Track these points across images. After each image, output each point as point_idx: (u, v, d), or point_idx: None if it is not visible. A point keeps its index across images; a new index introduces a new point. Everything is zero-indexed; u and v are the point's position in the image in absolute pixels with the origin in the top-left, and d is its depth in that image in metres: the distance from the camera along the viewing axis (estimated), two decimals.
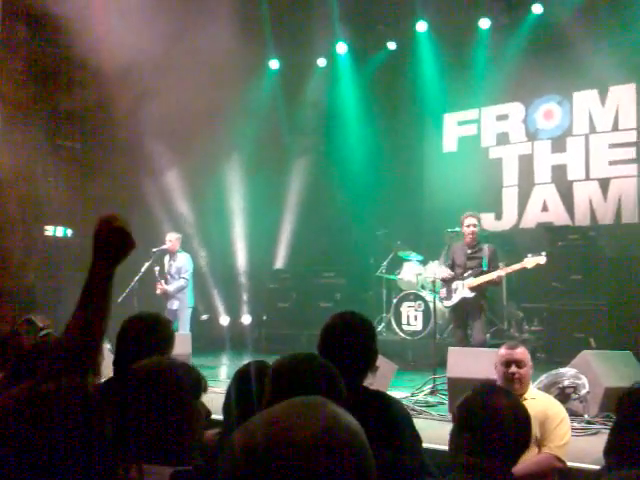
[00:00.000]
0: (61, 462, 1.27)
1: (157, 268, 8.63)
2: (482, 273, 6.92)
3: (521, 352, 3.72)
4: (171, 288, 8.57)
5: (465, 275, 7.06)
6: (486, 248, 7.06)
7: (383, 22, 10.74)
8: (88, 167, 10.49)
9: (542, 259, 6.76)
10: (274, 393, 1.76)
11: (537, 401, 3.61)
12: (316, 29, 10.30)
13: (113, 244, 1.71)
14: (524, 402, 3.49)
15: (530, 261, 6.79)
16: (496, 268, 6.94)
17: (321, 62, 11.56)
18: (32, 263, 9.78)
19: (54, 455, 1.27)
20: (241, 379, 2.29)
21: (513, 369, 3.64)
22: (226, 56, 8.75)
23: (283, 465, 0.84)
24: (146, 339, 2.52)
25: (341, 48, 11.14)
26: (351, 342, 2.40)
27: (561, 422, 3.51)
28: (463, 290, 7.02)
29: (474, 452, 2.16)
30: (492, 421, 2.20)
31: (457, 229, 7.26)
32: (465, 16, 10.06)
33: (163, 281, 8.63)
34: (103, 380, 2.49)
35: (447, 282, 7.24)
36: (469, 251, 7.13)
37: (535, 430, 3.44)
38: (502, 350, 3.78)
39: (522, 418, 2.23)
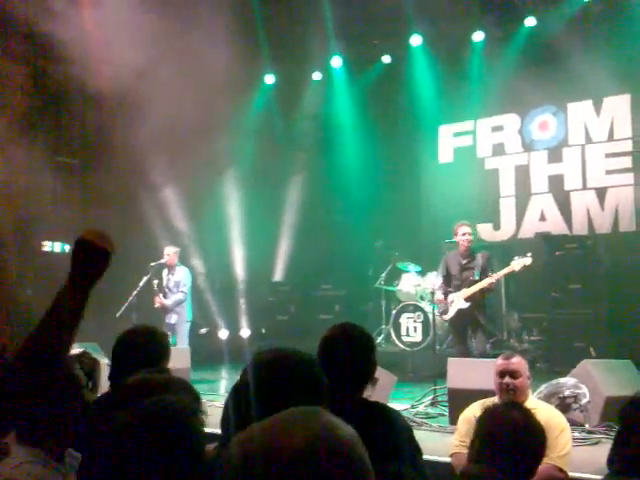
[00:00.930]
0: None
1: (156, 281, 8.63)
2: (475, 283, 6.96)
3: (516, 362, 3.70)
4: (169, 302, 8.57)
5: (461, 286, 7.11)
6: (479, 257, 7.09)
7: (378, 36, 10.80)
8: (87, 183, 10.51)
9: (528, 260, 6.83)
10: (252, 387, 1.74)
11: (537, 411, 3.54)
12: (311, 43, 10.36)
13: (89, 263, 1.64)
14: None
15: (517, 264, 6.88)
16: (492, 275, 6.98)
17: (316, 76, 11.62)
18: (30, 278, 9.76)
19: None
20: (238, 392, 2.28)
21: (507, 380, 3.63)
22: (222, 71, 8.79)
23: (275, 474, 0.84)
24: (142, 352, 2.51)
25: (336, 62, 11.20)
26: (350, 354, 2.39)
27: (562, 432, 3.47)
28: (459, 302, 7.05)
29: (477, 460, 2.20)
30: (496, 432, 2.23)
31: (458, 240, 7.27)
32: (459, 29, 10.13)
33: (162, 295, 8.62)
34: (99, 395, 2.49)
35: (444, 293, 7.28)
36: (463, 262, 7.17)
37: None
38: (498, 360, 3.78)
39: (535, 435, 2.24)
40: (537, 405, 3.70)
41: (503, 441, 2.21)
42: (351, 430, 0.92)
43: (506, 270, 6.96)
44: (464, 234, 7.08)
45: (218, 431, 1.83)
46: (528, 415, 2.35)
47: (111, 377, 2.55)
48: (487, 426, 2.30)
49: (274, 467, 0.85)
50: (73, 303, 1.61)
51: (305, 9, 9.94)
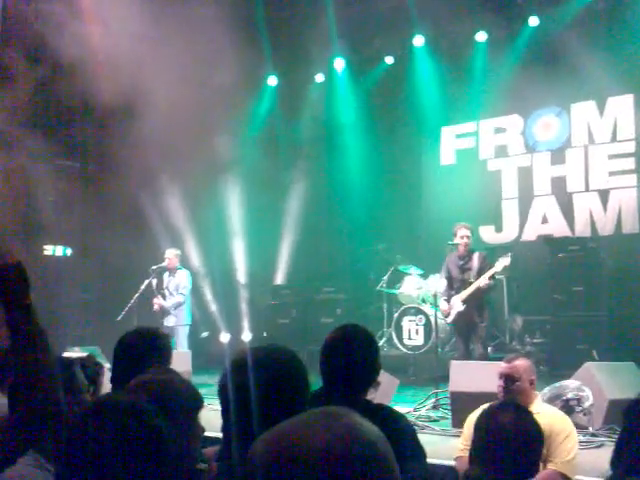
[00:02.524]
0: None
1: (155, 282, 8.63)
2: (471, 285, 7.03)
3: (517, 365, 3.66)
4: (168, 303, 8.56)
5: (460, 288, 7.21)
6: (476, 258, 7.16)
7: (380, 37, 10.80)
8: (87, 187, 10.51)
9: (507, 260, 7.08)
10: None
11: (542, 415, 3.50)
12: (314, 45, 10.35)
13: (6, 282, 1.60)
14: None
15: (499, 264, 7.08)
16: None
17: (319, 78, 11.62)
18: (31, 282, 9.73)
19: None
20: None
21: (508, 383, 3.60)
22: (225, 73, 8.79)
23: (298, 475, 0.84)
24: (143, 354, 2.49)
25: (339, 63, 11.20)
26: (353, 355, 2.37)
27: (567, 437, 3.42)
28: (457, 304, 7.12)
29: (476, 462, 2.20)
30: (491, 433, 2.23)
31: (457, 242, 7.30)
32: (462, 29, 10.11)
33: (160, 296, 8.61)
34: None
35: (447, 298, 7.35)
36: (461, 262, 7.27)
37: None
38: (501, 363, 3.76)
39: (529, 437, 2.23)
40: (542, 409, 3.65)
41: (497, 442, 2.21)
42: (375, 430, 0.91)
43: (491, 271, 7.08)
44: (462, 237, 7.16)
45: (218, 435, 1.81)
46: (522, 415, 2.33)
47: (113, 379, 2.52)
48: (482, 428, 2.31)
49: (295, 468, 0.84)
50: (21, 323, 1.56)
51: (307, 10, 9.93)
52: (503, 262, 7.01)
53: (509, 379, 3.61)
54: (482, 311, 7.12)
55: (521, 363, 3.71)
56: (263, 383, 1.66)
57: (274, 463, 0.85)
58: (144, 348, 2.53)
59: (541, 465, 3.34)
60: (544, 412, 3.60)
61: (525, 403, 3.56)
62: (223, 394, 1.74)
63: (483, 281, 6.97)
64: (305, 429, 0.88)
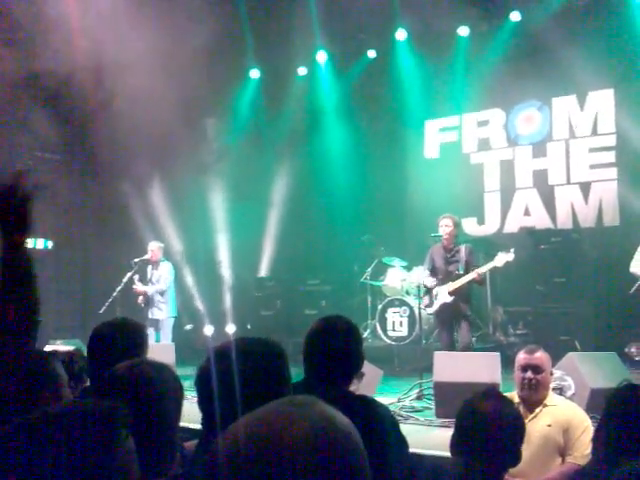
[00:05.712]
0: None
1: (137, 276, 8.57)
2: (459, 277, 6.99)
3: (539, 357, 3.57)
4: (150, 290, 8.51)
5: (445, 280, 7.14)
6: (462, 250, 7.13)
7: (363, 30, 10.76)
8: (69, 179, 10.41)
9: (510, 256, 6.83)
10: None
11: (559, 408, 3.50)
12: (296, 38, 10.30)
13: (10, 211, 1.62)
14: (544, 409, 3.46)
15: (499, 259, 6.88)
16: (476, 266, 7.01)
17: (302, 71, 11.57)
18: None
19: None
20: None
21: (530, 374, 3.50)
22: (207, 66, 8.73)
23: (272, 466, 0.82)
24: (117, 344, 2.47)
25: (321, 56, 11.15)
26: (336, 346, 2.37)
27: (585, 430, 3.36)
28: (443, 296, 7.08)
29: (458, 451, 2.22)
30: (474, 423, 2.25)
31: (440, 234, 7.30)
32: (444, 24, 10.09)
33: (140, 283, 8.54)
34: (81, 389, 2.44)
35: (429, 289, 7.31)
36: (447, 255, 7.21)
37: (558, 438, 3.37)
38: (520, 354, 3.65)
39: (507, 425, 2.25)
40: (558, 402, 3.62)
41: (480, 431, 2.22)
42: (347, 420, 0.91)
43: (489, 265, 6.99)
44: (442, 226, 7.14)
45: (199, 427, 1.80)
46: (501, 404, 2.34)
47: (89, 372, 2.50)
48: (462, 418, 2.31)
49: (270, 458, 0.82)
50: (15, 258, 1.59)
51: (290, 3, 9.88)
52: (505, 257, 6.80)
53: (536, 370, 3.51)
54: (468, 303, 7.13)
55: (544, 354, 3.62)
56: (245, 372, 1.66)
57: (249, 454, 0.83)
58: (116, 338, 2.50)
59: (559, 459, 3.36)
60: (560, 405, 3.57)
61: (544, 395, 3.53)
62: (202, 383, 1.73)
63: (478, 274, 6.90)
64: (281, 418, 0.86)
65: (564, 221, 9.75)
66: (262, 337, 1.87)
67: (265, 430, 0.85)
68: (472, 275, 6.91)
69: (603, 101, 9.60)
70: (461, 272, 7.02)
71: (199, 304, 10.73)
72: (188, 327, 10.46)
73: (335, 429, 0.87)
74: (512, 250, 6.91)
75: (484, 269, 7.00)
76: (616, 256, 8.63)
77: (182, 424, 1.82)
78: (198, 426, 1.80)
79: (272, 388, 1.68)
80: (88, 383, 2.74)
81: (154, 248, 8.64)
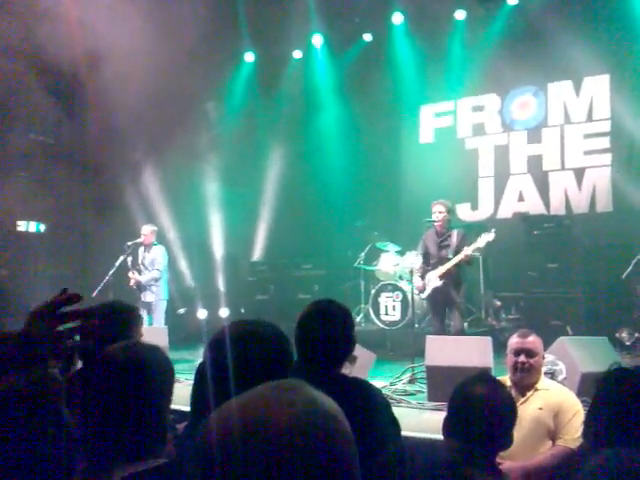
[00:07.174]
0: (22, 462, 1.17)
1: (130, 259, 8.57)
2: (449, 261, 7.06)
3: (532, 341, 3.58)
4: (144, 279, 8.51)
5: (437, 265, 7.23)
6: (454, 235, 7.20)
7: (359, 14, 10.69)
8: (61, 162, 10.34)
9: (491, 236, 7.04)
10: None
11: (550, 392, 3.53)
12: (292, 21, 10.23)
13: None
14: (536, 392, 3.48)
15: (482, 239, 7.06)
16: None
17: (297, 54, 11.50)
18: (5, 258, 9.62)
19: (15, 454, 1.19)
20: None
21: (522, 358, 3.51)
22: (202, 49, 8.67)
23: (259, 450, 0.82)
24: (108, 327, 2.46)
25: (317, 40, 11.09)
26: (328, 330, 2.38)
27: (576, 414, 3.39)
28: (434, 280, 7.15)
29: (450, 434, 2.23)
30: (467, 406, 2.26)
31: (433, 219, 7.33)
32: (441, 8, 10.04)
33: (136, 272, 8.56)
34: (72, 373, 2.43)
35: (421, 275, 7.37)
36: (439, 239, 7.28)
37: (549, 422, 3.39)
38: (513, 338, 3.66)
39: (499, 409, 2.27)
40: (550, 386, 3.64)
41: (469, 415, 2.24)
42: (333, 403, 0.91)
43: (472, 247, 7.08)
44: (435, 212, 7.20)
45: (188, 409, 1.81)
46: (494, 387, 2.36)
47: (80, 354, 2.50)
48: (455, 401, 2.32)
49: (257, 442, 0.82)
50: None
51: None
52: (486, 237, 7.01)
53: (528, 354, 3.52)
54: (459, 287, 7.19)
55: (537, 338, 3.64)
56: (245, 355, 1.67)
57: (236, 439, 0.83)
58: (106, 321, 2.50)
59: (550, 442, 3.38)
60: (552, 389, 3.60)
61: (536, 379, 3.55)
62: (204, 367, 1.74)
63: (462, 256, 6.99)
64: (268, 403, 0.86)
65: (557, 207, 9.78)
66: (260, 319, 1.89)
67: (250, 415, 0.85)
68: (459, 257, 6.98)
69: (598, 87, 9.59)
70: (451, 257, 7.10)
71: (193, 288, 10.73)
72: (181, 311, 10.47)
73: (321, 413, 0.86)
74: (493, 230, 7.09)
75: (468, 251, 7.07)
76: (608, 242, 8.67)
77: (173, 406, 1.82)
78: (189, 408, 1.80)
79: (274, 369, 1.68)
80: (80, 365, 2.73)
81: (147, 232, 8.61)
